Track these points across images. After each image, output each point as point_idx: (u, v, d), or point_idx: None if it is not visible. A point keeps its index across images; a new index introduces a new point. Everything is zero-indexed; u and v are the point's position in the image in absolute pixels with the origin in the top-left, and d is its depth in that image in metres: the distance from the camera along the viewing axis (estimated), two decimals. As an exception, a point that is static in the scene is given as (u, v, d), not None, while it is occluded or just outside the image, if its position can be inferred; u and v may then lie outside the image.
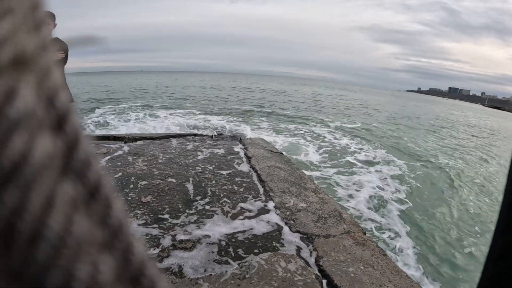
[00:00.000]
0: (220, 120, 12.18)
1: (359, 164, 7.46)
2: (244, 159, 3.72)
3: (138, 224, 2.23)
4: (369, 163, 7.77)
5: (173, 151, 3.97)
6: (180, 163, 3.51)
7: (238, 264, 1.84)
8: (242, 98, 23.00)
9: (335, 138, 10.41)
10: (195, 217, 2.35)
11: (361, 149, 9.24)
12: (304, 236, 2.14)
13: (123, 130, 9.51)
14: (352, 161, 7.72)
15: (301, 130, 11.41)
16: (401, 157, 8.83)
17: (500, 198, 0.31)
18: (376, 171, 7.09)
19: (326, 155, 8.00)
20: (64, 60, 2.36)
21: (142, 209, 2.44)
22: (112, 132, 8.37)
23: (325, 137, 10.37)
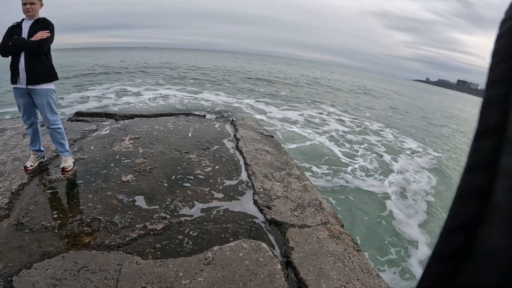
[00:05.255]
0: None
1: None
2: (232, 140, 3.62)
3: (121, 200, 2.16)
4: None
5: (162, 128, 3.87)
6: (166, 143, 3.42)
7: (204, 249, 1.78)
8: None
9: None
10: (169, 200, 2.29)
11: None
12: (278, 225, 2.06)
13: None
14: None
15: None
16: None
17: None
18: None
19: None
20: (51, 38, 2.40)
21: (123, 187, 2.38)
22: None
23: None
